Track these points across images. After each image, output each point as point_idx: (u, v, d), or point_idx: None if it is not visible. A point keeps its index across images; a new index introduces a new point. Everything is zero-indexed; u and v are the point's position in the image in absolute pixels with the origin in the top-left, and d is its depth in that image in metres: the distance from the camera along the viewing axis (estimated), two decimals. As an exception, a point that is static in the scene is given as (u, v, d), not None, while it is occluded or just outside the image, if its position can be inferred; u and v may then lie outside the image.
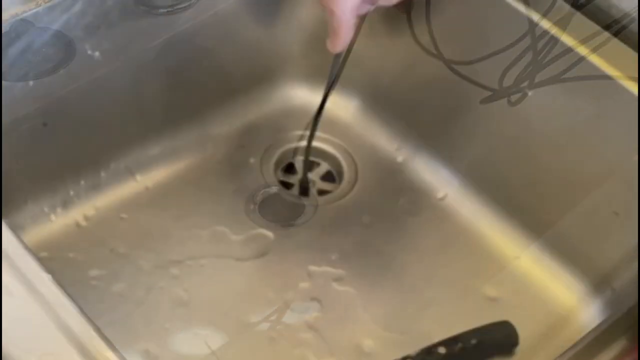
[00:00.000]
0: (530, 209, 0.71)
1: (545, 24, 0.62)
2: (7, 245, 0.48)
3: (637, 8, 0.60)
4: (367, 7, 0.60)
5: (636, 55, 0.60)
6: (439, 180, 0.76)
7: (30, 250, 0.48)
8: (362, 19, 0.61)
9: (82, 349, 0.44)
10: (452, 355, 0.61)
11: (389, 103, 0.79)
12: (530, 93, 0.65)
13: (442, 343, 0.62)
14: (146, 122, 0.73)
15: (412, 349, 0.62)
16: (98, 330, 0.44)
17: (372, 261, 0.70)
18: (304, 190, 0.75)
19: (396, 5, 0.61)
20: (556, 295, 0.69)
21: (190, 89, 0.74)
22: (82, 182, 0.70)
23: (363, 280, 0.68)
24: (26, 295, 0.46)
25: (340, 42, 0.60)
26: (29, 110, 0.64)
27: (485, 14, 0.67)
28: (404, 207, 0.74)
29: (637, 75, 0.59)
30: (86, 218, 0.70)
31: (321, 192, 0.76)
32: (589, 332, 0.48)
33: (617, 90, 0.60)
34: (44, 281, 0.47)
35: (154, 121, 0.74)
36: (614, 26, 0.60)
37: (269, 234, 0.71)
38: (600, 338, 0.48)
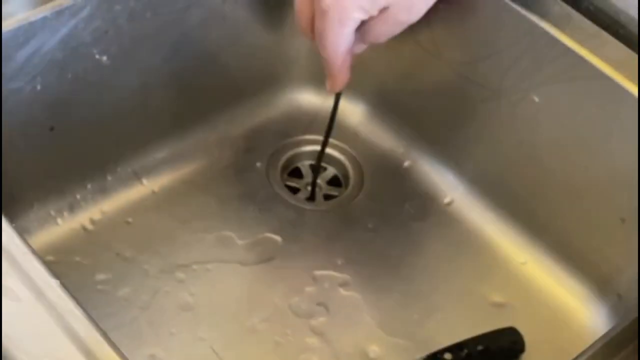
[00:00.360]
0: (536, 215, 0.71)
1: (545, 26, 0.62)
2: (15, 250, 0.48)
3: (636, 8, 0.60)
4: (361, 47, 0.62)
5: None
6: (445, 185, 0.76)
7: (38, 255, 0.48)
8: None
9: (88, 354, 0.44)
10: (458, 361, 0.61)
11: (395, 108, 0.79)
12: (537, 99, 0.65)
13: (448, 349, 0.62)
14: (153, 126, 0.73)
15: (418, 355, 0.62)
16: (105, 335, 0.44)
17: (378, 266, 0.70)
18: (312, 194, 0.75)
19: None
20: (563, 302, 0.69)
21: (196, 93, 0.74)
22: (89, 186, 0.71)
23: (369, 285, 0.68)
24: (34, 300, 0.46)
25: (338, 84, 0.63)
26: (36, 114, 0.64)
27: (486, 16, 0.67)
28: (410, 212, 0.74)
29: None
30: (92, 222, 0.70)
31: (327, 197, 0.76)
32: (596, 341, 0.48)
33: (623, 94, 0.59)
34: (52, 286, 0.47)
35: (160, 125, 0.74)
36: (617, 28, 0.60)
37: (275, 238, 0.71)
38: (607, 346, 0.48)
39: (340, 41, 0.58)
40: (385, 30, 0.60)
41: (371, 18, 0.58)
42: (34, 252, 0.48)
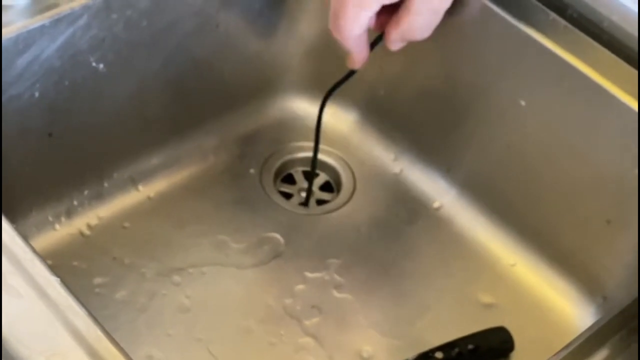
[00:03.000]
0: (525, 217, 0.72)
1: (531, 32, 0.64)
2: (17, 249, 0.49)
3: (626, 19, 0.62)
4: (399, 45, 0.63)
5: (626, 64, 0.61)
6: (435, 190, 0.77)
7: (39, 255, 0.49)
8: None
9: (90, 349, 0.45)
10: (449, 360, 0.63)
11: (386, 115, 0.80)
12: (524, 103, 0.67)
13: (439, 348, 0.63)
14: (148, 132, 0.74)
15: (410, 354, 0.63)
16: (105, 331, 0.45)
17: (370, 269, 0.71)
18: (306, 200, 0.76)
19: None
20: (551, 302, 0.70)
21: (192, 100, 0.75)
22: (86, 192, 0.72)
23: (361, 287, 0.70)
24: (35, 297, 0.47)
25: (355, 62, 0.64)
26: (34, 121, 0.65)
27: (472, 23, 0.68)
28: (401, 216, 0.76)
29: (628, 85, 0.61)
30: (90, 227, 0.71)
31: (320, 202, 0.77)
32: (580, 335, 0.49)
33: (610, 100, 0.61)
34: (52, 284, 0.48)
35: (155, 132, 0.75)
36: (600, 34, 0.62)
37: (269, 242, 0.72)
38: (592, 339, 0.49)
39: (355, 25, 0.58)
40: (423, 22, 0.60)
41: (405, 12, 0.58)
42: (34, 251, 0.50)
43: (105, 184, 0.73)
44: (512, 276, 0.72)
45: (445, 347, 0.63)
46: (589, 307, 0.68)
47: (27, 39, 0.60)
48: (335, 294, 0.69)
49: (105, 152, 0.72)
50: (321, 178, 0.79)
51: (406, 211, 0.76)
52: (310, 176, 0.77)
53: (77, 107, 0.67)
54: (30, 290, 0.48)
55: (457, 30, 0.69)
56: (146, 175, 0.75)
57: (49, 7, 0.61)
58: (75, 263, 0.69)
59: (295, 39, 0.78)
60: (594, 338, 0.49)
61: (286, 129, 0.81)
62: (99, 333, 0.46)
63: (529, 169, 0.70)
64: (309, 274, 0.70)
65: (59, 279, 0.48)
